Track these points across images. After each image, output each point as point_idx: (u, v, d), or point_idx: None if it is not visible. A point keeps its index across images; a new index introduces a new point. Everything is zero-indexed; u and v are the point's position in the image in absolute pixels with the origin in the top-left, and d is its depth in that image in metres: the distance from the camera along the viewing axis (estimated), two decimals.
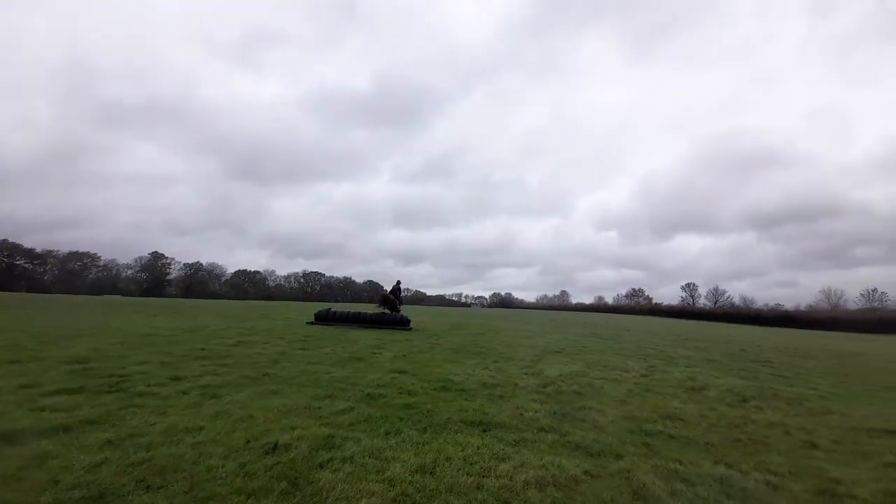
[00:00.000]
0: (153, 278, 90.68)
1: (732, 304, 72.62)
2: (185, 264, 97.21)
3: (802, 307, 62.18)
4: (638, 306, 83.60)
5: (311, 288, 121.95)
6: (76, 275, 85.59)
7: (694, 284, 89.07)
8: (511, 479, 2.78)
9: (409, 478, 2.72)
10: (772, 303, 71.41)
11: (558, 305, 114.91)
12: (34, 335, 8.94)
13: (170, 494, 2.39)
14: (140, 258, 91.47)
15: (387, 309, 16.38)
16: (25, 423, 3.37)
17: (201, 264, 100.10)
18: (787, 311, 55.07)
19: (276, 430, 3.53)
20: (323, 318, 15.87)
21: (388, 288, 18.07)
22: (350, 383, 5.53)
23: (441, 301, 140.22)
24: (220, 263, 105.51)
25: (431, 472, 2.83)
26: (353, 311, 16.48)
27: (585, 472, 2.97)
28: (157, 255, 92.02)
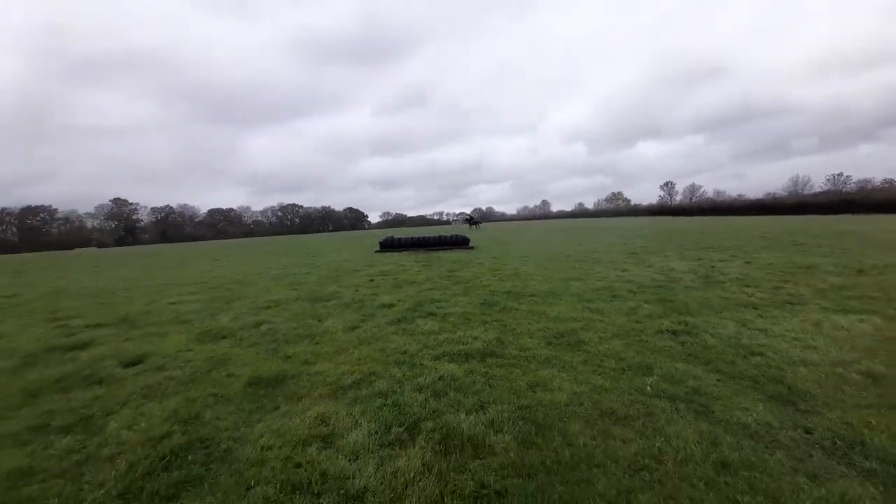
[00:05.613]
0: (125, 226, 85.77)
1: (708, 199, 77.99)
2: (152, 209, 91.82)
3: (751, 195, 68.03)
4: (618, 209, 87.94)
5: (291, 220, 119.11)
6: (36, 231, 79.58)
7: (672, 183, 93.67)
8: (857, 330, 3.81)
9: (785, 345, 3.66)
10: (733, 193, 77.76)
11: (540, 215, 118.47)
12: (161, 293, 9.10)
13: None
14: (101, 206, 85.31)
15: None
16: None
17: (171, 207, 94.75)
18: (758, 200, 60.13)
19: (628, 323, 4.38)
20: (389, 245, 16.47)
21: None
22: (577, 291, 6.20)
23: (423, 221, 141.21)
24: (190, 204, 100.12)
25: (798, 338, 3.82)
26: (415, 236, 17.11)
27: (877, 329, 4.04)
28: (119, 202, 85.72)
